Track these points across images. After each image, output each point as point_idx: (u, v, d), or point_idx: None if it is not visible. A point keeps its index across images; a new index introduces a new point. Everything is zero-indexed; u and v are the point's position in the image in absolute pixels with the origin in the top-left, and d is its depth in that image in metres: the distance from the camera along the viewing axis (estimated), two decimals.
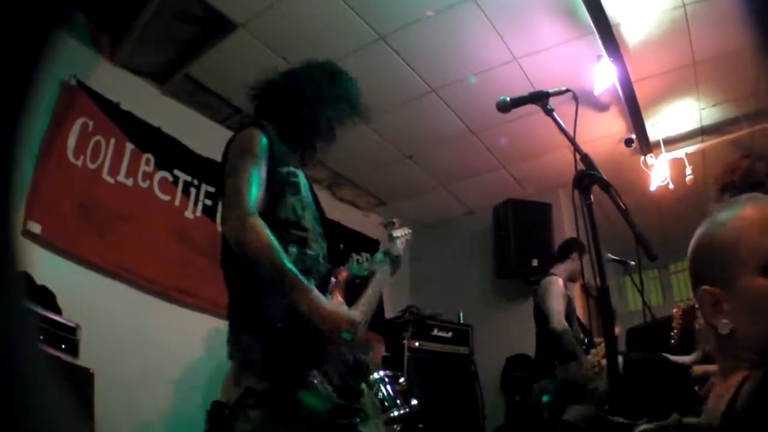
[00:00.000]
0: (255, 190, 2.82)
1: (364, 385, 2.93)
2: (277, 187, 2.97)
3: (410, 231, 3.89)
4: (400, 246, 3.68)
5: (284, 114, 3.28)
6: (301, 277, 2.63)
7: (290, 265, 2.63)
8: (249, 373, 2.69)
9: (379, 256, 3.60)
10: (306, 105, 3.26)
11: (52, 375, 0.83)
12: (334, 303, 2.74)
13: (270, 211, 2.92)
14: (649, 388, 4.47)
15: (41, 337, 4.43)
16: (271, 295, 2.67)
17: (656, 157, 8.05)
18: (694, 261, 1.87)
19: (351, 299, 2.98)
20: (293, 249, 2.90)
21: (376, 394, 5.40)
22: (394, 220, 3.92)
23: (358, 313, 2.85)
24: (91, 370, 4.95)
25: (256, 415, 2.61)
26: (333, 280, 2.97)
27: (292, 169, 3.07)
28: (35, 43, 0.82)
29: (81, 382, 4.83)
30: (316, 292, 2.65)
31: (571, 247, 6.56)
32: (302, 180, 3.14)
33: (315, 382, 2.52)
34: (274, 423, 2.57)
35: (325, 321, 2.60)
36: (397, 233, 3.77)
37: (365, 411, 2.84)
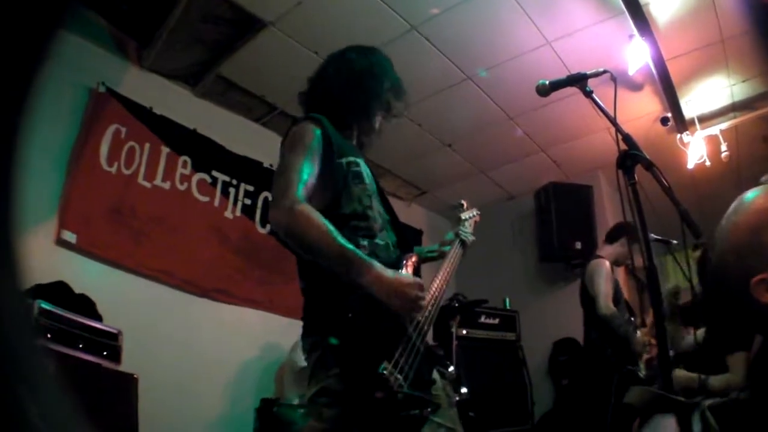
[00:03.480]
0: (305, 180, 2.75)
1: (436, 374, 2.84)
2: (340, 180, 2.91)
3: (479, 213, 3.88)
4: (469, 227, 3.65)
5: (334, 101, 3.22)
6: (359, 252, 2.58)
7: (347, 244, 2.57)
8: (323, 372, 2.63)
9: (449, 234, 3.55)
10: (351, 85, 3.21)
11: (50, 372, 0.82)
12: (396, 272, 2.66)
13: (335, 206, 2.87)
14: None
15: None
16: (338, 287, 2.58)
17: (692, 135, 7.93)
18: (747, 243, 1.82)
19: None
20: (364, 242, 2.84)
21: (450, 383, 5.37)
22: (463, 201, 3.87)
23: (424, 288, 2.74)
24: (135, 376, 4.95)
25: (331, 415, 2.57)
26: (404, 263, 2.93)
27: (352, 158, 3.00)
28: (35, 41, 0.80)
29: (125, 388, 4.85)
30: (377, 265, 2.58)
31: (621, 231, 6.40)
32: (364, 169, 3.07)
33: (385, 374, 2.38)
34: (348, 422, 2.50)
35: (389, 289, 2.55)
36: (465, 215, 3.75)
37: (438, 401, 2.73)
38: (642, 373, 5.70)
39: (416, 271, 3.00)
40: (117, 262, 5.97)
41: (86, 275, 5.60)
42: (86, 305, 5.18)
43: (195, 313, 6.53)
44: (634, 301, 6.77)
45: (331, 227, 2.59)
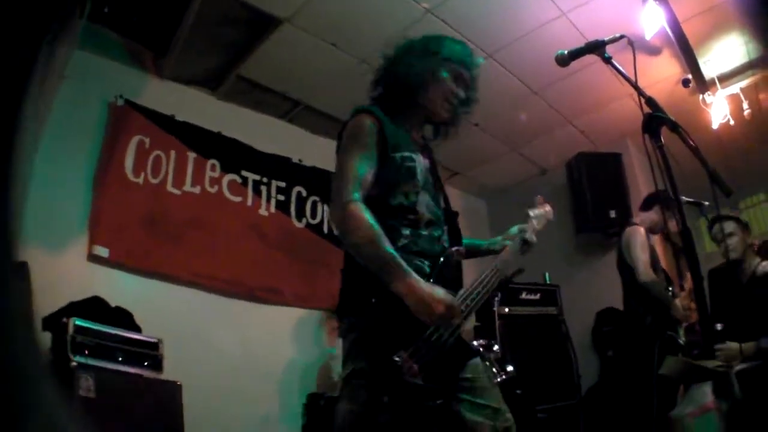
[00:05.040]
0: (361, 175, 2.81)
1: (477, 360, 2.90)
2: (392, 174, 2.95)
3: (550, 209, 3.78)
4: (536, 225, 3.55)
5: (396, 95, 3.24)
6: (400, 261, 2.60)
7: (390, 250, 2.62)
8: (355, 353, 2.74)
9: (513, 229, 3.49)
10: (412, 78, 3.19)
11: (48, 375, 0.80)
12: (431, 286, 2.63)
13: (385, 197, 2.93)
14: None
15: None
16: (371, 279, 2.64)
17: (713, 95, 7.84)
18: None
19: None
20: (406, 231, 2.90)
21: (491, 366, 5.33)
22: (538, 196, 3.78)
23: (455, 298, 2.71)
24: (178, 383, 4.96)
25: (364, 397, 2.62)
26: (449, 257, 2.97)
27: (406, 153, 3.02)
28: (29, 43, 0.77)
29: (169, 397, 4.86)
30: (414, 276, 2.59)
31: (654, 198, 6.33)
32: (419, 164, 3.07)
33: (398, 361, 2.48)
34: (375, 404, 2.55)
35: (418, 301, 2.53)
36: (534, 212, 3.63)
37: (479, 383, 2.82)
38: (681, 339, 5.70)
39: (458, 268, 3.02)
40: (154, 270, 6.00)
41: (122, 288, 5.65)
42: (123, 318, 5.21)
43: (238, 315, 6.55)
44: (671, 269, 6.68)
45: (379, 230, 2.65)
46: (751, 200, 11.06)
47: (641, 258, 5.93)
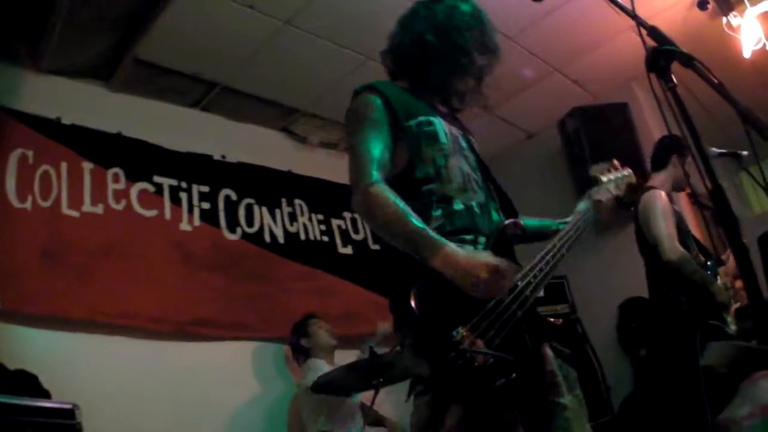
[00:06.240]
0: (377, 155, 3.04)
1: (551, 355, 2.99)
2: (411, 142, 3.16)
3: (630, 172, 3.99)
4: (613, 191, 3.79)
5: (410, 65, 3.50)
6: (431, 233, 2.77)
7: (419, 223, 2.79)
8: (414, 361, 2.81)
9: (581, 205, 3.72)
10: (424, 45, 3.40)
11: None
12: (471, 251, 2.81)
13: (409, 171, 3.15)
14: None
15: None
16: (415, 268, 2.76)
17: (741, 16, 7.74)
18: None
19: None
20: (437, 212, 3.06)
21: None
22: (613, 160, 3.99)
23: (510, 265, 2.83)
24: None
25: (426, 401, 2.78)
26: (505, 230, 3.09)
27: (422, 118, 3.22)
28: None
29: None
30: (451, 246, 2.73)
31: (668, 148, 6.23)
32: (440, 127, 3.26)
33: (458, 340, 2.55)
34: (440, 405, 2.69)
35: (458, 271, 2.66)
36: (607, 176, 3.85)
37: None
38: (731, 327, 5.59)
39: (508, 245, 3.09)
40: (60, 315, 5.87)
41: (21, 345, 5.57)
42: (27, 383, 5.11)
43: (170, 357, 6.47)
44: (705, 238, 6.65)
45: (404, 207, 2.84)
46: None
47: (665, 230, 5.81)
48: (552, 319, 3.02)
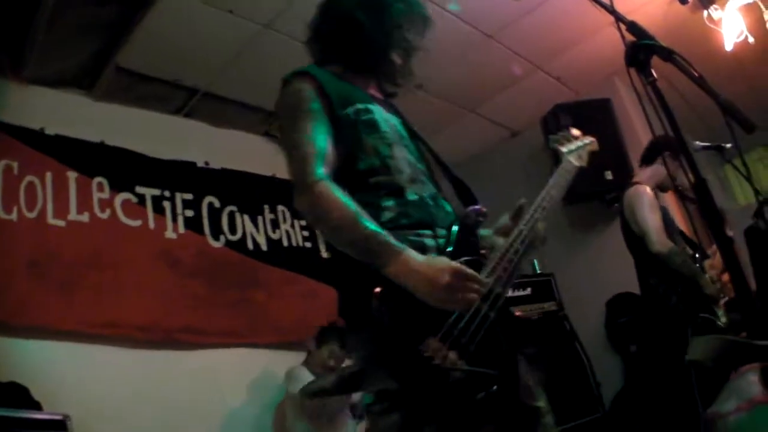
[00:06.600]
0: (321, 148, 2.83)
1: None
2: (349, 134, 2.97)
3: (591, 141, 3.81)
4: (575, 162, 3.59)
5: (343, 47, 3.33)
6: (387, 237, 2.57)
7: (373, 227, 2.58)
8: (377, 373, 2.62)
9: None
10: (351, 24, 3.25)
11: None
12: (429, 257, 2.60)
13: (350, 164, 2.93)
14: None
15: None
16: (370, 273, 2.56)
17: (722, 8, 7.72)
18: None
19: None
20: (389, 203, 2.87)
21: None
22: (568, 127, 3.82)
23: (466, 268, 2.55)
24: None
25: (395, 421, 2.54)
26: (465, 220, 2.96)
27: (360, 106, 3.05)
28: None
29: None
30: (408, 252, 2.55)
31: (657, 147, 6.20)
32: (379, 114, 3.11)
33: (429, 354, 2.38)
34: (412, 427, 2.48)
35: (418, 281, 2.48)
36: (567, 147, 3.66)
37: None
38: (722, 320, 5.57)
39: (471, 236, 2.95)
40: (49, 326, 5.85)
41: (10, 357, 5.54)
42: (18, 395, 5.10)
43: (160, 366, 6.46)
44: (690, 232, 6.65)
45: (356, 209, 2.63)
46: None
47: (651, 223, 5.83)
48: (518, 313, 2.81)
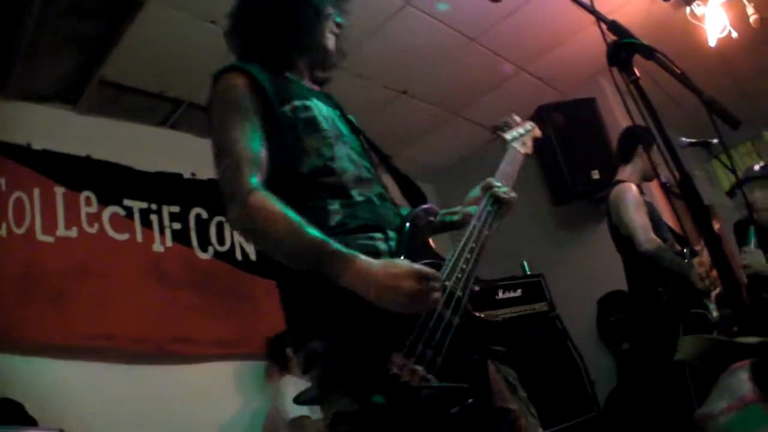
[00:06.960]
0: (254, 152, 2.67)
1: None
2: (288, 134, 2.81)
3: (533, 126, 3.78)
4: (521, 149, 3.61)
5: (270, 36, 3.14)
6: (337, 246, 2.44)
7: (319, 235, 2.45)
8: (335, 393, 2.48)
9: (474, 190, 3.31)
10: (280, 9, 3.10)
11: None
12: (386, 261, 2.48)
13: (290, 167, 2.78)
14: None
15: None
16: (318, 283, 2.45)
17: (705, 4, 7.72)
18: None
19: None
20: (334, 205, 2.75)
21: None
22: (510, 114, 3.78)
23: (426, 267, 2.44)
24: None
25: None
26: (416, 219, 2.87)
27: (297, 103, 2.90)
28: None
29: None
30: (361, 258, 2.43)
31: (632, 140, 6.22)
32: (318, 111, 2.97)
33: (393, 369, 2.25)
34: None
35: (377, 289, 2.36)
36: (511, 134, 3.64)
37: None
38: (713, 314, 5.56)
39: (423, 237, 2.87)
40: (41, 341, 5.84)
41: (5, 373, 5.52)
42: (13, 412, 5.08)
43: (153, 377, 6.46)
44: (678, 227, 6.65)
45: (296, 217, 2.48)
46: None
47: (637, 222, 5.84)
48: (481, 315, 2.66)
